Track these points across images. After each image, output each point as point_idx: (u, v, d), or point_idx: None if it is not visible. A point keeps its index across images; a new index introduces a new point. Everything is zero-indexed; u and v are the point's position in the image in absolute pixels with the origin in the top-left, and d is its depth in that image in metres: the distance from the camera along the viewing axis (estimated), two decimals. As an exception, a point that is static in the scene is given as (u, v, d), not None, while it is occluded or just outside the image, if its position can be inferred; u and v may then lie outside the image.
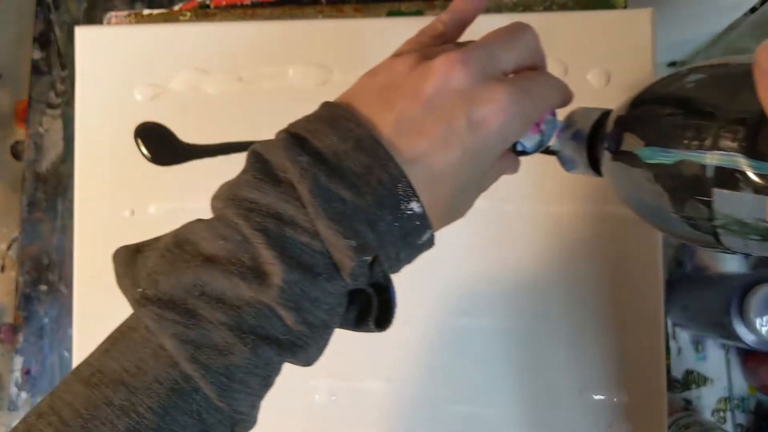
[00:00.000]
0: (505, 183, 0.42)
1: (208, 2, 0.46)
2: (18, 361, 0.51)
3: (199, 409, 0.21)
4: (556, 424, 0.40)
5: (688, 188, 0.22)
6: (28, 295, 0.52)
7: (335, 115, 0.24)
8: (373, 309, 0.24)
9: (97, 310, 0.41)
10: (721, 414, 0.59)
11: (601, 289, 0.40)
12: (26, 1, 0.56)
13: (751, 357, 0.59)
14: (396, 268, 0.24)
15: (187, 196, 0.42)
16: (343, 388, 0.41)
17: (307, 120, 0.24)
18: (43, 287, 0.52)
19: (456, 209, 0.26)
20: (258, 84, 0.42)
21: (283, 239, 0.22)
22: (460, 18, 0.28)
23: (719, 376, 0.60)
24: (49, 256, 0.52)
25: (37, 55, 0.55)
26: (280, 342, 0.22)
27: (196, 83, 0.42)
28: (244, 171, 0.24)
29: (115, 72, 0.43)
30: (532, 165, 0.42)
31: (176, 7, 0.45)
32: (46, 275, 0.52)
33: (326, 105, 0.25)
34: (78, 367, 0.23)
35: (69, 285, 0.47)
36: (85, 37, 0.43)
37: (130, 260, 0.23)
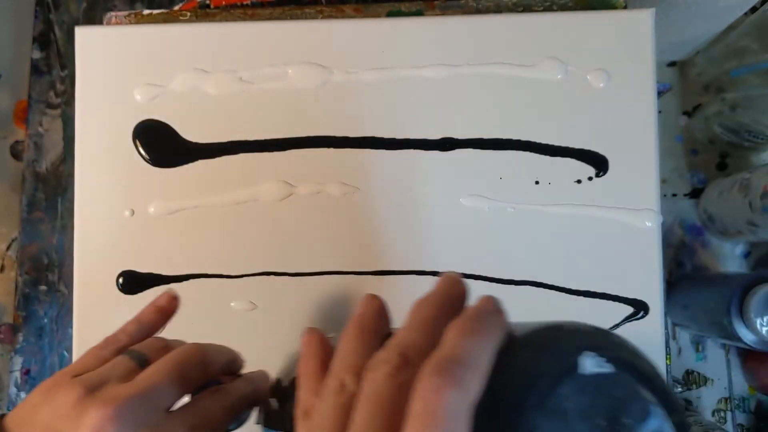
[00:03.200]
0: (505, 184, 0.42)
1: (208, 2, 0.46)
2: (18, 361, 0.51)
3: None
4: (556, 424, 0.40)
5: None
6: (27, 295, 0.52)
7: None
8: None
9: (97, 310, 0.41)
10: (722, 414, 0.59)
11: (601, 289, 0.40)
12: (26, 1, 0.56)
13: (751, 357, 0.59)
14: None
15: (187, 196, 0.42)
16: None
17: None
18: (43, 287, 0.52)
19: None
20: (258, 84, 0.42)
21: None
22: (146, 330, 0.29)
23: (719, 376, 0.60)
24: (49, 256, 0.52)
25: (37, 55, 0.55)
26: None
27: (196, 83, 0.42)
28: None
29: (115, 72, 0.43)
30: (532, 167, 0.42)
31: (176, 7, 0.45)
32: (46, 275, 0.52)
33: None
34: None
35: (69, 285, 0.48)
36: (85, 37, 0.43)
37: None
